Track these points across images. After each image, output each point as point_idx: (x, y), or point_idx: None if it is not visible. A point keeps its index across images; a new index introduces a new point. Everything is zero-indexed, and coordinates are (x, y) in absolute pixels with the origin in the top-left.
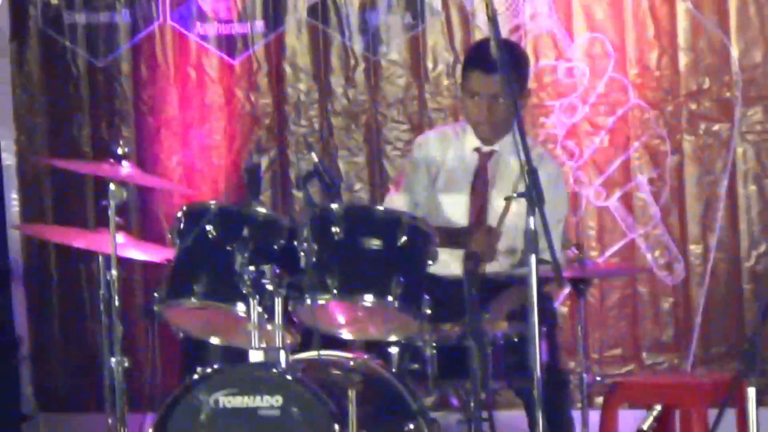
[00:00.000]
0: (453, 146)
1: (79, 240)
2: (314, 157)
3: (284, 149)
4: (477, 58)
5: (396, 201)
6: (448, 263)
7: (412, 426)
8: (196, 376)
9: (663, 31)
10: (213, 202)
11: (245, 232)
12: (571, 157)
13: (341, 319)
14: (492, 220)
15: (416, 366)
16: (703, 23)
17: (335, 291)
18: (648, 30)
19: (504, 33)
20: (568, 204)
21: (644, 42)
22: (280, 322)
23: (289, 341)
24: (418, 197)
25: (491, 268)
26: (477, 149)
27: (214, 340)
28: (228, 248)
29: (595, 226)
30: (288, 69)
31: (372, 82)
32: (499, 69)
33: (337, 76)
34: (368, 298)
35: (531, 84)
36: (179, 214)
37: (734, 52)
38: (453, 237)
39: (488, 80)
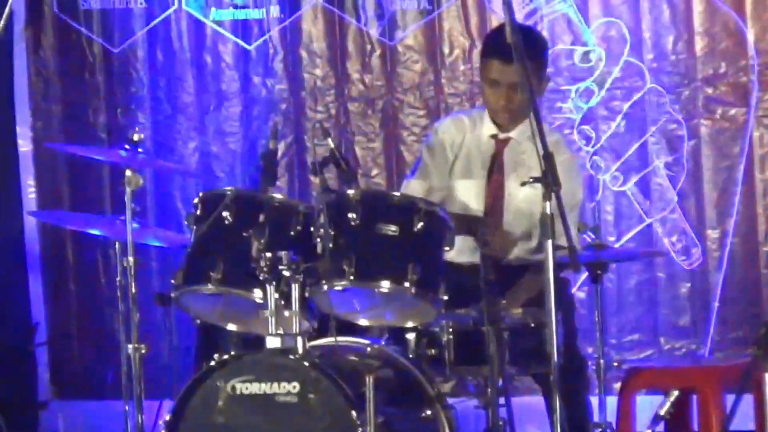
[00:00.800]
0: (470, 132)
1: (96, 226)
2: (330, 142)
3: (301, 135)
4: (495, 46)
5: (413, 187)
6: (463, 250)
7: (429, 412)
8: (213, 363)
9: (679, 16)
10: (229, 188)
11: (261, 218)
12: (588, 142)
13: (358, 305)
14: (508, 205)
15: (433, 352)
16: (719, 7)
17: (352, 277)
18: (664, 14)
19: (519, 17)
20: (584, 190)
21: (660, 26)
22: (297, 309)
23: (306, 327)
24: (434, 183)
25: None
26: (493, 136)
27: (231, 327)
28: (244, 234)
29: (612, 211)
30: (304, 54)
31: (388, 68)
32: (515, 57)
33: (353, 62)
34: (385, 284)
35: (548, 69)
36: (196, 201)
37: (750, 36)
38: (469, 225)
39: (507, 69)
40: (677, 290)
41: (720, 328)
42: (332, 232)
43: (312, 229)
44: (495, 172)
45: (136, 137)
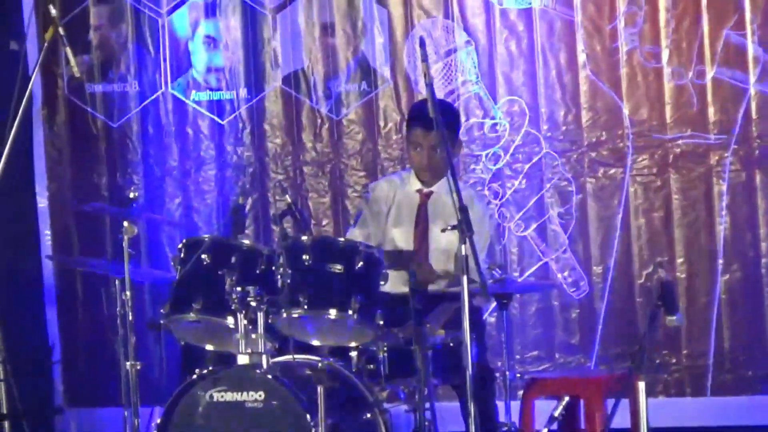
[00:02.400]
0: (400, 188)
1: (100, 267)
2: (288, 198)
3: (264, 192)
4: (417, 117)
5: (355, 234)
6: (396, 282)
7: (369, 415)
8: (194, 376)
9: (568, 95)
10: (207, 235)
11: (233, 260)
12: (496, 196)
13: (311, 329)
14: (432, 247)
15: (371, 366)
16: (600, 87)
17: (306, 306)
18: (556, 93)
19: (440, 95)
20: (494, 233)
21: (553, 103)
22: (262, 332)
23: (269, 347)
24: (372, 230)
25: (431, 286)
26: (419, 190)
27: (209, 347)
28: (219, 273)
29: (516, 252)
30: (267, 127)
31: (335, 138)
32: (435, 126)
33: (307, 133)
34: (332, 312)
35: (462, 137)
36: (180, 246)
37: (625, 110)
38: (401, 261)
39: (428, 135)
40: (569, 315)
41: (603, 345)
42: (289, 271)
43: (274, 268)
44: (421, 220)
45: (131, 195)
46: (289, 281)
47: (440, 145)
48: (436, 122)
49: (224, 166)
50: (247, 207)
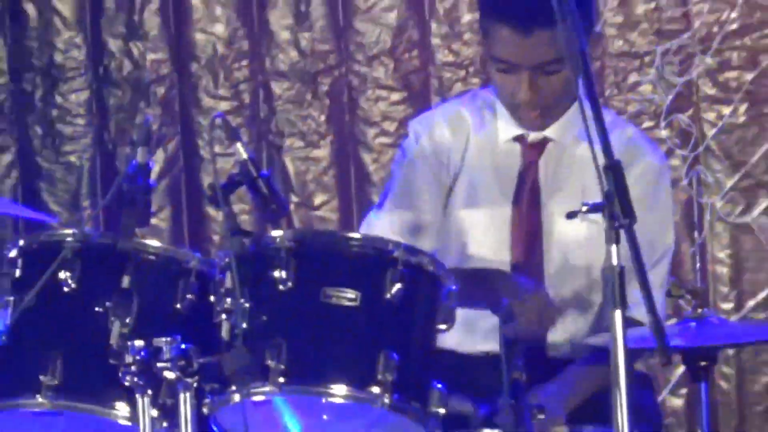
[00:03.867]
0: (477, 133)
1: None
2: (241, 150)
3: (191, 137)
4: (505, 4)
5: (382, 224)
6: (473, 331)
7: None
8: None
9: None
10: (69, 231)
11: (125, 282)
12: (686, 141)
13: (294, 425)
14: (551, 251)
15: None
16: None
17: (282, 378)
18: None
19: None
20: (675, 224)
21: None
22: None
23: None
24: (421, 217)
25: (551, 337)
26: (519, 137)
27: None
28: (98, 309)
29: (727, 259)
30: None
31: (339, 24)
32: (559, 18)
33: (278, 13)
34: (339, 390)
35: (614, 17)
36: (12, 254)
37: None
38: (484, 286)
39: (526, 43)
40: None
41: None
42: (246, 305)
43: (213, 298)
44: (525, 196)
45: None
46: (245, 326)
47: (561, 57)
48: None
49: (103, 83)
50: (153, 168)
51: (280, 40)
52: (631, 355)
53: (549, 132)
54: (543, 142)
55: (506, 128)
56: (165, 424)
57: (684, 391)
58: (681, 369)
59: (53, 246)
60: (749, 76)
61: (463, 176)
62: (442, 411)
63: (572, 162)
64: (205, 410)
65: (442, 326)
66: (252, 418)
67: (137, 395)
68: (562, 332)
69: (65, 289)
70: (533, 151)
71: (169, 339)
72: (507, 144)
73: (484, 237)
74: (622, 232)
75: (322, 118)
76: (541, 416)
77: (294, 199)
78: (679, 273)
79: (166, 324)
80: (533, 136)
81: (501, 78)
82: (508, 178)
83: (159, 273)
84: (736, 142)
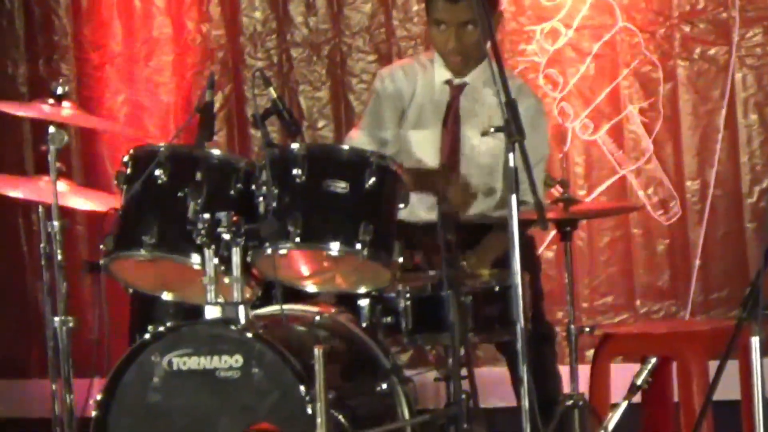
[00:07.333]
0: (421, 79)
1: (17, 188)
2: (272, 92)
3: (240, 85)
4: None
5: (359, 139)
6: (418, 207)
7: (384, 386)
8: (147, 336)
9: None
10: (162, 144)
11: (198, 176)
12: (555, 88)
13: (305, 269)
14: (467, 157)
15: (389, 320)
16: None
17: (298, 239)
18: None
19: None
20: (549, 140)
21: None
22: (238, 275)
23: (248, 295)
24: (384, 135)
25: (468, 210)
26: (447, 81)
27: (167, 296)
28: (180, 195)
29: (582, 162)
30: None
31: (335, 9)
32: None
33: (296, 4)
34: (334, 246)
35: (509, 7)
36: (126, 159)
37: None
38: (424, 179)
39: (453, 7)
40: (654, 247)
41: (702, 288)
42: (275, 191)
43: (253, 187)
44: (450, 121)
45: (60, 90)
46: (275, 205)
47: (475, 19)
48: None
49: (184, 49)
50: (216, 105)
51: (296, 21)
52: (523, 223)
53: (467, 78)
54: (463, 85)
55: (441, 74)
56: (223, 268)
57: (555, 247)
58: (554, 232)
59: (151, 153)
60: (596, 45)
61: (413, 107)
62: (400, 259)
63: (482, 99)
64: (248, 259)
65: (401, 205)
66: (279, 264)
67: (205, 249)
68: (475, 208)
69: (158, 181)
70: (457, 90)
71: (225, 213)
72: (441, 85)
73: (424, 147)
74: (516, 145)
75: (324, 72)
76: (465, 263)
77: (305, 123)
78: (552, 171)
79: (224, 203)
80: (457, 80)
81: (436, 33)
82: (440, 109)
83: (218, 170)
84: (588, 87)
